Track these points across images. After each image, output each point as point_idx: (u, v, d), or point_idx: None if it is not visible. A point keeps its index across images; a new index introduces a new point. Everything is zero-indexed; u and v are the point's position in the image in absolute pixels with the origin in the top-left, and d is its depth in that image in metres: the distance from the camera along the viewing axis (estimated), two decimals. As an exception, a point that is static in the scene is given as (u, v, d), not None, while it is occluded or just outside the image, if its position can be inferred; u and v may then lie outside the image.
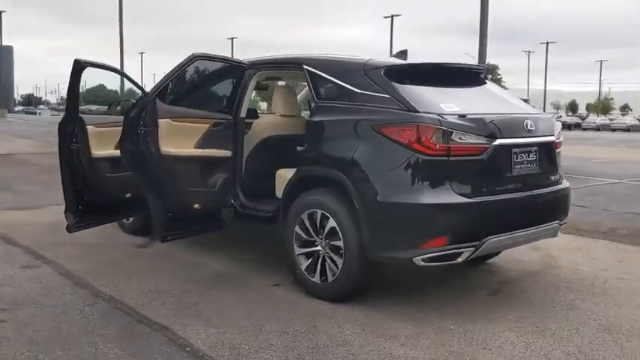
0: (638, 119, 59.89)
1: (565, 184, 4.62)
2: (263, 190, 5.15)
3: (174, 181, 4.53)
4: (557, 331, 3.81)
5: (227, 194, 4.92)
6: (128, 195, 5.38)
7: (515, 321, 3.97)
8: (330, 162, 4.21)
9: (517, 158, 4.14)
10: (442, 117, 3.84)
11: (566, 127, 55.26)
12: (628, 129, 53.01)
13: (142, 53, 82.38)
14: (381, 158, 3.94)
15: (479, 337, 3.69)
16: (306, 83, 4.77)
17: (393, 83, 4.11)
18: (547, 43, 54.35)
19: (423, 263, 3.86)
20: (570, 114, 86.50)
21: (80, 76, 4.85)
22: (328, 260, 4.25)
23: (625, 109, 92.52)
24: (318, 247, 4.34)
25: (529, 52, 68.16)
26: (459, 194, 3.85)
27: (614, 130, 53.45)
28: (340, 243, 4.13)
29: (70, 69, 4.84)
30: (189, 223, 4.87)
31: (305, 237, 4.40)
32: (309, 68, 4.62)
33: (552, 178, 4.49)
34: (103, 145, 5.15)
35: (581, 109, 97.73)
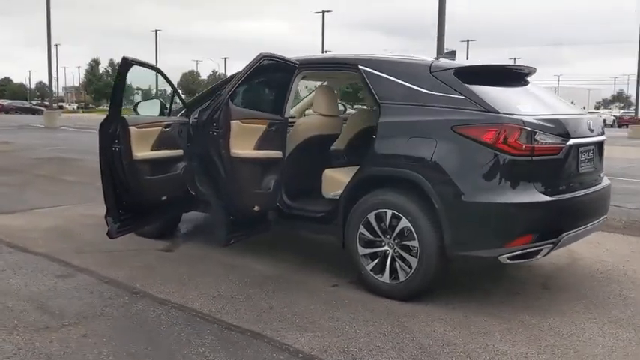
0: None
1: (607, 180, 4.87)
2: (306, 190, 5.13)
3: (240, 184, 4.43)
4: (630, 319, 4.02)
5: (278, 196, 4.86)
6: (164, 198, 5.20)
7: (585, 312, 4.16)
8: (403, 163, 4.24)
9: (582, 157, 4.33)
10: (525, 118, 3.96)
11: None
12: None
13: (57, 45, 78.51)
14: (464, 159, 4.01)
15: (564, 329, 3.84)
16: (362, 83, 4.74)
17: (466, 85, 4.18)
18: (467, 41, 56.52)
19: (508, 261, 3.97)
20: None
21: (127, 74, 4.63)
22: (398, 260, 4.28)
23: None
24: (386, 247, 4.36)
25: (447, 48, 70.09)
26: (541, 193, 3.98)
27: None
28: (415, 243, 4.17)
29: (118, 66, 4.62)
30: (244, 225, 4.77)
31: (370, 237, 4.41)
32: (367, 69, 4.63)
33: (601, 175, 4.73)
34: (143, 147, 4.95)
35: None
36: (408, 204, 4.21)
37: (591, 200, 4.45)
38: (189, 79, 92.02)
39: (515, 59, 74.46)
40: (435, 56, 4.95)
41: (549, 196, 4.01)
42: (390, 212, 4.29)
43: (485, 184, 3.96)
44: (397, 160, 4.28)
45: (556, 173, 4.12)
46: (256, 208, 4.68)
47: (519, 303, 4.33)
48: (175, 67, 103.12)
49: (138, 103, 5.56)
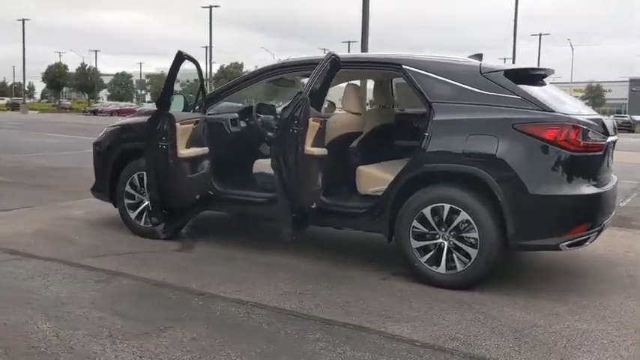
0: None
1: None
2: (340, 186, 5.24)
3: (308, 181, 4.47)
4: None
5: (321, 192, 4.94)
6: (197, 196, 5.11)
7: (620, 292, 4.63)
8: (463, 159, 4.47)
9: (609, 154, 4.81)
10: (578, 117, 4.35)
11: None
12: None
13: None
14: (525, 154, 4.32)
15: (616, 308, 4.27)
16: (407, 82, 4.92)
17: (517, 85, 4.51)
18: (349, 42, 57.92)
19: (567, 249, 4.35)
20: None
21: (179, 68, 4.50)
22: (455, 251, 4.52)
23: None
24: (440, 240, 4.58)
25: (324, 49, 71.81)
26: (593, 186, 4.39)
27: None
28: (474, 234, 4.43)
29: (172, 61, 4.46)
30: (298, 222, 4.81)
31: (425, 231, 4.61)
32: (413, 69, 4.83)
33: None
34: (183, 145, 4.82)
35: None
36: (467, 198, 4.45)
37: (615, 194, 4.95)
38: (56, 71, 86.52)
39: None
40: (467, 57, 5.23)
41: (598, 188, 4.43)
42: (447, 206, 4.51)
43: (546, 177, 4.30)
44: (456, 156, 4.51)
45: (598, 168, 4.56)
46: (314, 205, 4.72)
47: (558, 287, 4.72)
48: (39, 61, 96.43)
49: (159, 98, 5.37)
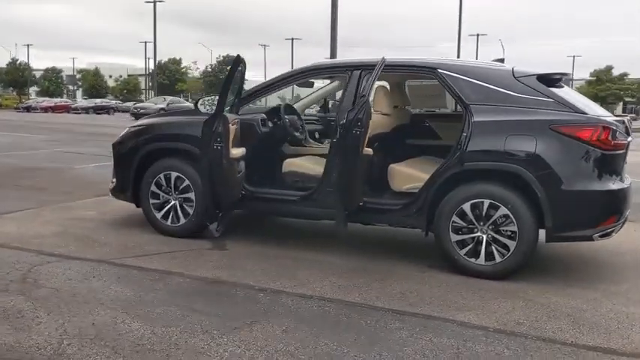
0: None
1: None
2: (372, 184, 5.48)
3: (361, 179, 4.69)
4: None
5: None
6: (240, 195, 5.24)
7: None
8: (503, 157, 4.79)
9: (627, 153, 5.24)
10: (607, 119, 4.75)
11: None
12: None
13: None
14: (562, 153, 4.68)
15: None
16: (442, 84, 5.20)
17: (550, 89, 4.87)
18: (292, 39, 58.08)
19: (599, 239, 4.74)
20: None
21: (236, 72, 4.62)
22: (494, 244, 4.84)
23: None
24: (478, 233, 4.89)
25: (265, 45, 72.03)
26: (619, 181, 4.80)
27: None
28: (513, 227, 4.75)
29: (232, 64, 4.59)
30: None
31: (464, 225, 4.91)
32: (448, 72, 5.11)
33: None
34: (232, 145, 4.94)
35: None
36: (506, 194, 4.78)
37: (632, 189, 5.38)
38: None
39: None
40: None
41: (624, 183, 4.84)
42: (487, 202, 4.82)
43: (581, 174, 4.68)
44: (496, 155, 4.82)
45: (622, 165, 4.97)
46: (361, 203, 4.94)
47: (582, 276, 5.11)
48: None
49: (198, 99, 5.46)
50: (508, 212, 4.76)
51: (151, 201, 6.00)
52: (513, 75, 5.00)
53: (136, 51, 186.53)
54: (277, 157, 5.96)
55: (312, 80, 6.49)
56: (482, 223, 4.87)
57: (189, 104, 44.50)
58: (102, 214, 6.98)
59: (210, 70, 79.08)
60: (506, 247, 4.80)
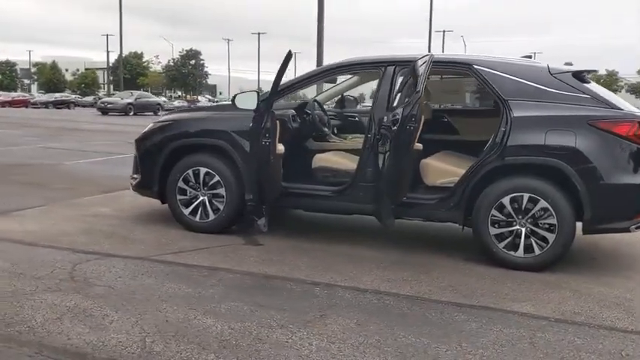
0: None
1: None
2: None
3: (410, 174, 4.74)
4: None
5: None
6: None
7: (664, 268, 5.28)
8: (544, 152, 4.91)
9: None
10: (641, 115, 4.93)
11: None
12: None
13: None
14: (601, 148, 4.83)
15: (674, 281, 4.90)
16: (478, 80, 5.30)
17: (584, 85, 5.02)
18: (259, 33, 57.68)
19: (635, 230, 4.91)
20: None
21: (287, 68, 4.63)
22: (532, 236, 4.96)
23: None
24: (517, 227, 5.01)
25: (229, 40, 71.47)
26: (651, 175, 4.98)
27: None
28: (553, 220, 4.89)
29: (284, 60, 4.58)
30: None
31: (503, 218, 5.03)
32: (484, 69, 5.22)
33: None
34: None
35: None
36: (546, 187, 4.91)
37: None
38: None
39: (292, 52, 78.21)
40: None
41: (655, 178, 5.03)
42: (527, 195, 4.94)
43: (618, 168, 4.84)
44: (537, 149, 4.94)
45: None
46: (405, 198, 5.01)
47: (610, 267, 5.30)
48: None
49: (236, 94, 5.44)
50: (548, 205, 4.88)
51: (178, 197, 5.95)
52: (549, 71, 5.13)
53: (94, 44, 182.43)
54: (306, 152, 5.98)
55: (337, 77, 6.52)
56: (520, 217, 4.98)
57: (157, 99, 43.90)
58: (118, 210, 6.89)
59: (172, 64, 78.01)
60: (545, 239, 4.93)
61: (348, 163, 5.79)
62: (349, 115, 7.04)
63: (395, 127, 4.60)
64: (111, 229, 5.94)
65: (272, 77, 5.10)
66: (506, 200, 5.00)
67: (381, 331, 3.60)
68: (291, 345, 3.35)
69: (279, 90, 5.65)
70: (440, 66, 5.59)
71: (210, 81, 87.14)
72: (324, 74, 5.83)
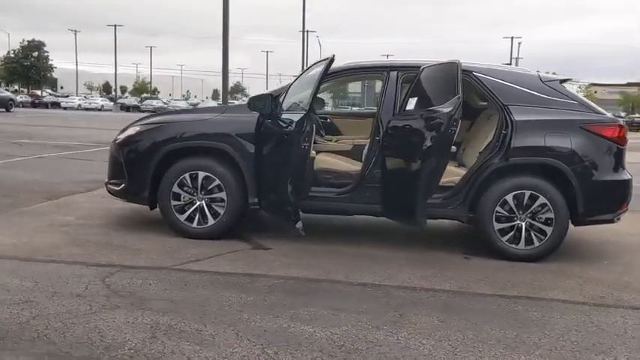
0: (164, 102, 67.87)
1: None
2: None
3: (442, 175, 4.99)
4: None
5: None
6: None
7: None
8: (543, 153, 5.40)
9: None
10: (620, 120, 5.59)
11: (125, 108, 58.44)
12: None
13: None
14: (591, 149, 5.41)
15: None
16: (478, 86, 5.67)
17: (571, 92, 5.61)
18: (115, 25, 54.74)
19: (618, 221, 5.56)
20: (105, 94, 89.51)
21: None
22: (531, 230, 5.45)
23: (156, 91, 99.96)
24: (518, 221, 5.47)
25: (75, 30, 67.06)
26: (628, 173, 5.66)
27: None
28: (550, 215, 5.40)
29: (324, 66, 4.62)
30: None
31: (506, 214, 5.46)
32: (484, 75, 5.62)
33: None
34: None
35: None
36: (545, 185, 5.40)
37: None
38: None
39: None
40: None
41: (629, 175, 5.72)
42: (528, 192, 5.41)
43: (606, 166, 5.45)
44: (539, 151, 5.42)
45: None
46: (434, 196, 5.25)
47: (601, 255, 5.93)
48: None
49: (251, 97, 5.38)
50: (546, 201, 5.37)
51: (173, 203, 5.72)
52: (540, 79, 5.63)
53: None
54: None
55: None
56: (521, 212, 5.43)
57: (10, 94, 40.32)
58: (85, 218, 6.48)
59: (13, 55, 71.72)
60: (543, 232, 5.41)
61: (345, 164, 5.92)
62: (321, 117, 7.13)
63: (434, 132, 4.80)
64: (100, 239, 5.59)
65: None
66: (509, 197, 5.42)
67: (466, 328, 3.79)
68: (397, 344, 3.45)
69: (277, 96, 5.63)
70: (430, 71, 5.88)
71: (55, 74, 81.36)
72: (328, 78, 5.87)
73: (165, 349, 3.25)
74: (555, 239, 5.41)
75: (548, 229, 5.40)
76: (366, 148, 5.77)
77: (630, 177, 5.64)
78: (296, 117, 5.05)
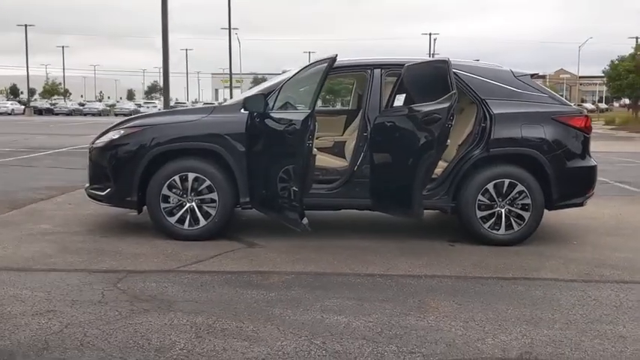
0: (80, 104, 66.02)
1: None
2: None
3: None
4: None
5: None
6: None
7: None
8: (523, 143, 5.76)
9: None
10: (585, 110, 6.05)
11: (38, 112, 56.07)
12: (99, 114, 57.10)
13: None
14: (563, 138, 5.83)
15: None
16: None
17: (542, 85, 6.01)
18: (25, 25, 52.14)
19: (585, 204, 6.02)
20: (12, 97, 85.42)
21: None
22: (511, 216, 5.81)
23: (67, 93, 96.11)
24: (497, 208, 5.82)
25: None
26: (593, 159, 6.13)
27: (85, 114, 56.60)
28: (527, 201, 5.77)
29: (328, 65, 4.75)
30: None
31: (488, 202, 5.79)
32: (461, 72, 5.90)
33: None
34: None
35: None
36: (522, 173, 5.77)
37: None
38: None
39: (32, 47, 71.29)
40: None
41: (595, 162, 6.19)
42: (507, 181, 5.76)
43: (576, 154, 5.89)
44: (517, 141, 5.78)
45: None
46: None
47: (575, 236, 6.38)
48: None
49: (246, 97, 5.44)
50: (524, 189, 5.74)
51: (162, 205, 5.70)
52: (513, 74, 6.00)
53: None
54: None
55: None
56: (500, 199, 5.77)
57: None
58: (62, 226, 6.36)
59: None
60: (521, 217, 5.78)
61: (333, 161, 6.08)
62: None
63: (431, 126, 5.03)
64: (90, 246, 5.51)
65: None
66: (490, 186, 5.75)
67: (485, 307, 4.05)
68: (438, 327, 3.66)
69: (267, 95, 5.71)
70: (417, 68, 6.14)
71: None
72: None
73: (216, 347, 3.30)
74: (533, 223, 5.79)
75: (526, 215, 5.77)
76: (353, 144, 5.94)
77: (596, 163, 6.10)
78: (293, 115, 5.16)
